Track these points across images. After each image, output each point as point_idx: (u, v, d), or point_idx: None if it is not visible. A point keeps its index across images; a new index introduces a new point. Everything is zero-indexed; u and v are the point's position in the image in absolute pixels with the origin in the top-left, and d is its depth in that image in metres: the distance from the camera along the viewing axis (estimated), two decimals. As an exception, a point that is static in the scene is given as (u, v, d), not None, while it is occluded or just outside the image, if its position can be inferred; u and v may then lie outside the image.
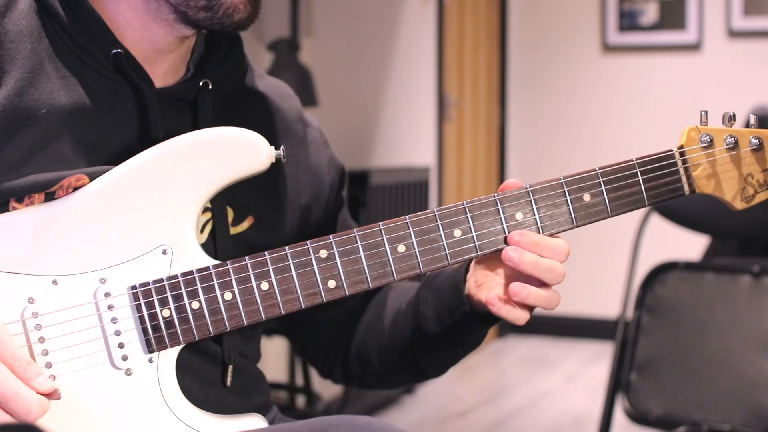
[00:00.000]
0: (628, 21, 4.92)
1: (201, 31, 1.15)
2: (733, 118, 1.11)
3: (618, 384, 2.49)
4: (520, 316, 1.08)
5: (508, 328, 5.14)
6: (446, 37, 4.53)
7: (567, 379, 4.34)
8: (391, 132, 4.39)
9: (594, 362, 4.57)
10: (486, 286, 1.11)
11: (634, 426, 2.46)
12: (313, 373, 3.54)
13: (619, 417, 2.54)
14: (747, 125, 1.15)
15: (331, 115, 4.37)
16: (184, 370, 1.05)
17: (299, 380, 3.63)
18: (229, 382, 1.13)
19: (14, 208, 1.01)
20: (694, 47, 4.81)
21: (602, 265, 4.92)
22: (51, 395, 0.95)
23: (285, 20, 4.02)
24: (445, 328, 1.16)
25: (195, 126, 1.11)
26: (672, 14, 4.83)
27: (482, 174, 5.10)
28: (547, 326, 5.09)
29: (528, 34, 5.16)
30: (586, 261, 4.99)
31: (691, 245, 3.55)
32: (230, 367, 1.13)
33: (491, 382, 4.36)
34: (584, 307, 5.01)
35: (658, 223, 2.86)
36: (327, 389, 3.78)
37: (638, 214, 3.51)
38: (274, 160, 1.07)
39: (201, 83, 1.12)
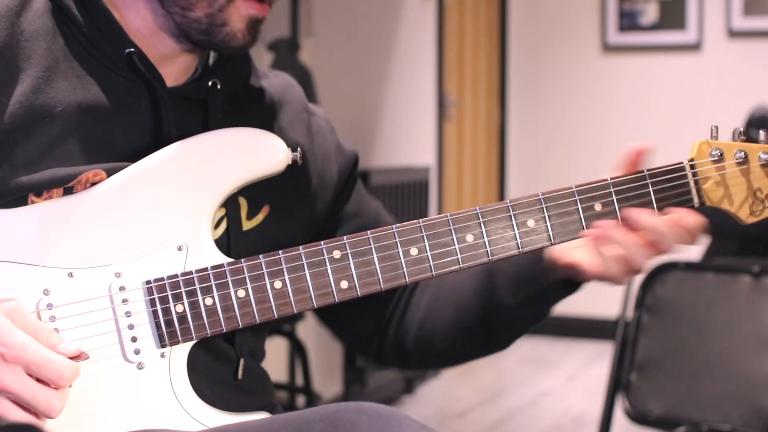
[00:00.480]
0: (628, 21, 4.92)
1: None
2: (743, 133, 1.13)
3: (618, 384, 2.49)
4: (621, 278, 1.10)
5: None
6: (446, 37, 4.53)
7: (567, 379, 4.34)
8: (391, 132, 4.39)
9: (594, 362, 4.57)
10: (578, 251, 1.13)
11: (634, 426, 2.46)
12: (313, 373, 3.54)
13: (619, 417, 2.54)
14: (747, 136, 1.16)
15: (331, 115, 4.34)
16: (193, 367, 1.07)
17: (299, 380, 3.63)
18: (240, 375, 1.15)
19: (33, 203, 1.03)
20: (694, 47, 4.81)
21: (602, 265, 4.91)
22: (78, 358, 0.97)
23: (285, 20, 4.02)
24: (524, 299, 1.18)
25: (206, 123, 1.13)
26: (672, 14, 4.83)
27: (482, 174, 5.10)
28: (547, 326, 5.09)
29: (528, 34, 5.16)
30: (586, 261, 4.99)
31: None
32: (241, 360, 1.14)
33: (491, 382, 4.36)
34: (584, 307, 5.01)
35: (658, 223, 2.86)
36: (327, 389, 3.78)
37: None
38: (290, 162, 1.10)
39: (210, 83, 1.14)
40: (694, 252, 3.34)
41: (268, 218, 1.17)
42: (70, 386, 0.99)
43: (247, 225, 1.15)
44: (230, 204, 1.12)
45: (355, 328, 1.30)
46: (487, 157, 5.13)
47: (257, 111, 1.21)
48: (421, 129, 4.40)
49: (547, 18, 5.11)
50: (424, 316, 1.27)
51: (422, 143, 4.41)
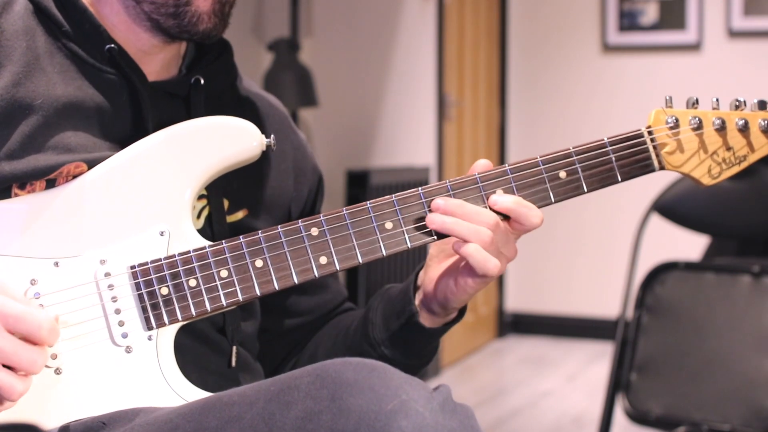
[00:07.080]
0: (628, 21, 4.92)
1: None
2: (696, 102, 1.19)
3: (618, 384, 2.49)
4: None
5: (508, 328, 5.14)
6: (446, 37, 4.53)
7: (567, 379, 4.34)
8: (391, 132, 4.39)
9: (594, 362, 4.57)
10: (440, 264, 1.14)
11: (634, 426, 2.47)
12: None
13: (619, 417, 2.54)
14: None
15: (331, 115, 4.36)
16: (184, 356, 1.09)
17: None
18: (234, 363, 1.17)
19: (16, 195, 1.06)
20: (694, 47, 4.81)
21: (602, 265, 4.91)
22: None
23: (285, 20, 4.02)
24: (392, 334, 1.18)
25: (188, 119, 1.15)
26: (672, 14, 4.83)
27: (482, 174, 5.10)
28: (547, 326, 5.09)
29: (528, 34, 5.16)
30: (586, 261, 4.99)
31: (691, 245, 3.55)
32: (234, 348, 1.17)
33: (491, 382, 4.36)
34: (584, 307, 5.01)
35: (658, 223, 2.86)
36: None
37: (638, 213, 3.51)
38: (264, 148, 1.13)
39: (193, 80, 1.17)
40: (694, 252, 3.35)
41: (246, 219, 1.20)
42: (50, 347, 1.00)
43: (228, 219, 1.18)
44: (212, 197, 1.15)
45: (274, 349, 1.32)
46: (487, 157, 5.11)
47: (242, 114, 1.22)
48: (421, 129, 4.40)
49: (547, 18, 5.11)
50: (312, 349, 1.30)
51: (422, 143, 4.41)
